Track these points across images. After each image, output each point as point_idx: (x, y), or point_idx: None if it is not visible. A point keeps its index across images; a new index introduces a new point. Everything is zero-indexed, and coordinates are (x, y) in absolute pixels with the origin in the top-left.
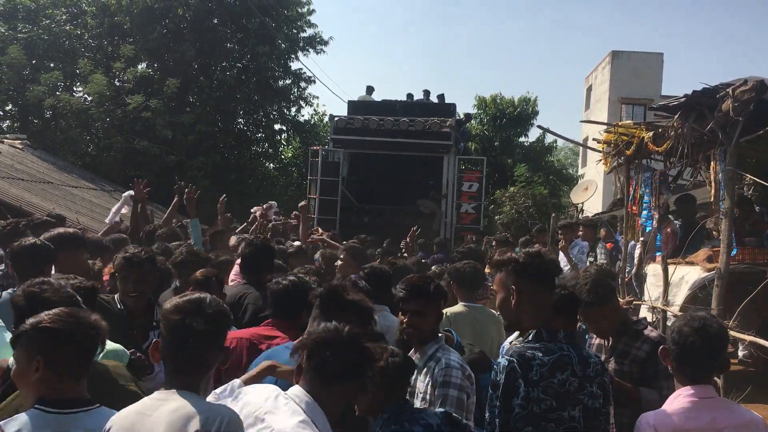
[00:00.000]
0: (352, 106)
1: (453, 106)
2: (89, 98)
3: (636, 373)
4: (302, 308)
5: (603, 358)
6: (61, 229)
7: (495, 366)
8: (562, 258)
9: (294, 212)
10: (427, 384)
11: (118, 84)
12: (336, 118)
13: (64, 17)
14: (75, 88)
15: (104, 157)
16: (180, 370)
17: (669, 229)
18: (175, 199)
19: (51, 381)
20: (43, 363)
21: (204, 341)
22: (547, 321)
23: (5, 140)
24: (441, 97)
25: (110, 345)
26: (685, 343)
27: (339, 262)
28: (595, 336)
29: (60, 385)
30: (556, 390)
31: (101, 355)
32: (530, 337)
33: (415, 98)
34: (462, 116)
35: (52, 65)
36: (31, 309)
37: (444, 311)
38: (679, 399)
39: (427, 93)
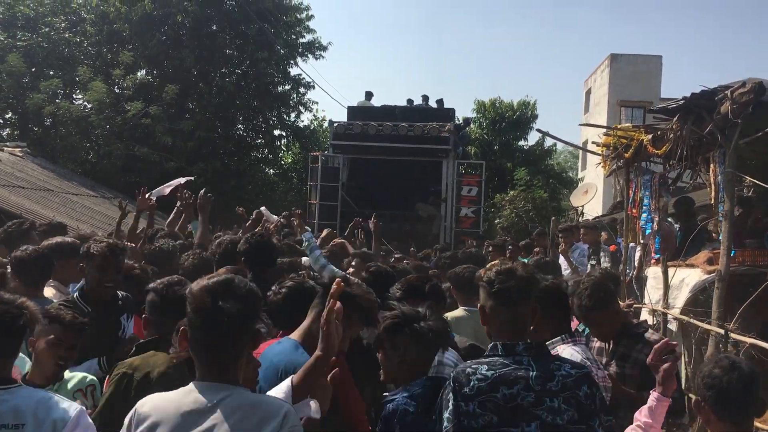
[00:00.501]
0: (352, 111)
1: (452, 110)
2: (89, 105)
3: (637, 377)
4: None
5: (604, 361)
6: (59, 238)
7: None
8: (562, 261)
9: (284, 212)
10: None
11: (117, 91)
12: (335, 124)
13: (63, 25)
14: (74, 96)
15: (104, 164)
16: (214, 359)
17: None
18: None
19: None
20: None
21: (237, 324)
22: (520, 337)
23: (5, 148)
24: (440, 102)
25: (74, 376)
26: (720, 385)
27: (351, 270)
28: (596, 339)
29: None
30: (499, 404)
31: (71, 385)
32: (486, 352)
33: (414, 103)
34: (461, 121)
35: (51, 73)
36: None
37: (445, 315)
38: None
39: (425, 98)
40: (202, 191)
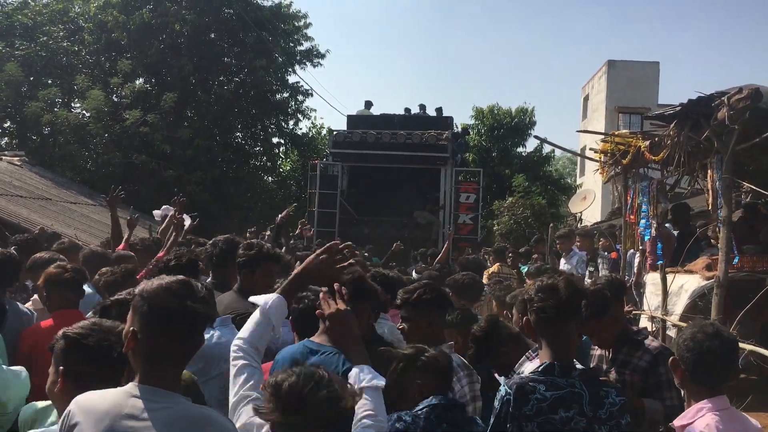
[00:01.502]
0: (351, 120)
1: (450, 119)
2: (87, 114)
3: (637, 383)
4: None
5: (604, 368)
6: (42, 254)
7: (498, 392)
8: (563, 266)
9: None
10: None
11: (115, 99)
12: (335, 132)
13: (61, 34)
14: (73, 104)
15: (102, 172)
16: (164, 362)
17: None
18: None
19: None
20: None
21: (199, 327)
22: (570, 357)
23: (3, 157)
24: (439, 110)
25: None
26: (701, 349)
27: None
28: (596, 347)
29: None
30: (556, 427)
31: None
32: (540, 369)
33: (412, 112)
34: (459, 129)
35: (49, 82)
36: None
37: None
38: (706, 416)
39: (423, 107)
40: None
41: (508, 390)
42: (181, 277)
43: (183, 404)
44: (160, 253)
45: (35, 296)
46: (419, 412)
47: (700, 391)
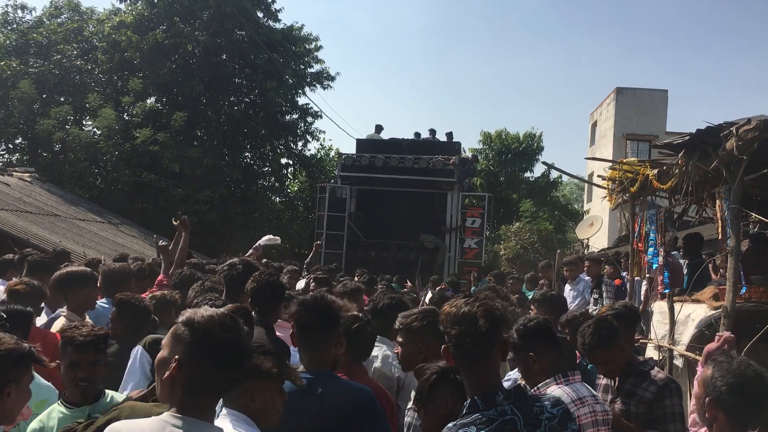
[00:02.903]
0: (360, 144)
1: (458, 144)
2: (98, 132)
3: (643, 414)
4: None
5: (609, 398)
6: (72, 267)
7: None
8: (567, 294)
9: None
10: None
11: (126, 118)
12: (344, 156)
13: (75, 53)
14: (84, 122)
15: (112, 190)
16: (209, 394)
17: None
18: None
19: None
20: None
21: (246, 361)
22: (495, 385)
23: (15, 173)
24: (449, 135)
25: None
26: (746, 393)
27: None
28: (602, 376)
29: None
30: None
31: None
32: (464, 411)
33: (422, 136)
34: (469, 155)
35: (62, 99)
36: None
37: None
38: None
39: (433, 132)
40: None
41: None
42: (226, 310)
43: None
44: (161, 277)
45: (66, 311)
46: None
47: (731, 431)
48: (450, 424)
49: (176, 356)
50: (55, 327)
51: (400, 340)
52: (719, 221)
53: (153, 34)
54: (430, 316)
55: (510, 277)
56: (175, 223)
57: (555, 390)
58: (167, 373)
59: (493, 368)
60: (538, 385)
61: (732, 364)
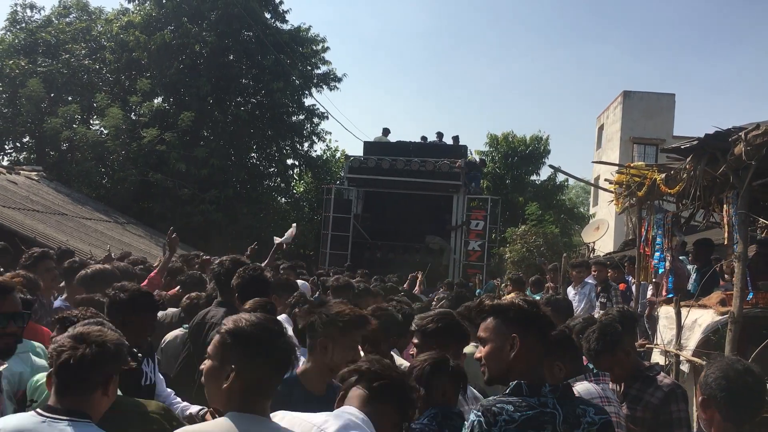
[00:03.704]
0: (368, 146)
1: (464, 147)
2: (105, 131)
3: (649, 420)
4: None
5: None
6: (99, 266)
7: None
8: (572, 297)
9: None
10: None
11: (134, 117)
12: (351, 158)
13: (83, 52)
14: (92, 122)
15: (118, 189)
16: (266, 395)
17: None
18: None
19: None
20: None
21: (294, 359)
22: (537, 375)
23: (22, 171)
24: (455, 138)
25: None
26: (736, 387)
27: None
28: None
29: None
30: None
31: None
32: (507, 391)
33: (429, 139)
34: (477, 159)
35: (70, 98)
36: None
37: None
38: None
39: (440, 135)
40: (170, 229)
41: (477, 413)
42: (262, 314)
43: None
44: (153, 273)
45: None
46: (424, 421)
47: (728, 429)
48: (490, 398)
49: (232, 365)
50: None
51: (415, 341)
52: (726, 226)
53: (161, 34)
54: (445, 318)
55: (509, 279)
56: (167, 239)
57: (585, 384)
58: (226, 384)
59: (540, 359)
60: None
61: (721, 361)
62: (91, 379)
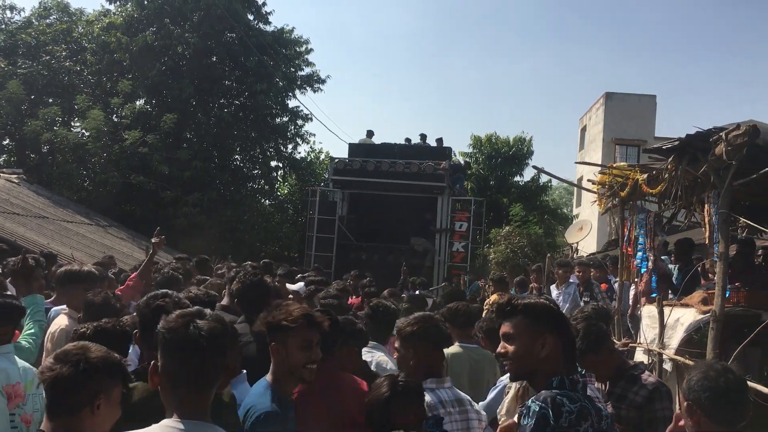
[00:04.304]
0: (352, 148)
1: (448, 149)
2: (86, 133)
3: (633, 418)
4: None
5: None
6: (78, 266)
7: (522, 410)
8: (555, 296)
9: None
10: None
11: (115, 120)
12: (336, 160)
13: (64, 54)
14: (73, 124)
15: (100, 192)
16: (191, 389)
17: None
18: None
19: None
20: None
21: (211, 348)
22: (562, 371)
23: (2, 174)
24: (439, 140)
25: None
26: (717, 386)
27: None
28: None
29: None
30: None
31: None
32: (555, 384)
33: (413, 141)
34: (461, 161)
35: (50, 100)
36: None
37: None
38: None
39: (423, 136)
40: (157, 230)
41: (542, 404)
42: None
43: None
44: (132, 275)
45: (67, 308)
46: None
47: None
48: (546, 392)
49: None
50: (56, 324)
51: (396, 345)
52: (707, 226)
53: (143, 35)
54: (422, 322)
55: (490, 279)
56: (153, 240)
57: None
58: (154, 382)
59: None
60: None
61: (701, 365)
62: (72, 399)
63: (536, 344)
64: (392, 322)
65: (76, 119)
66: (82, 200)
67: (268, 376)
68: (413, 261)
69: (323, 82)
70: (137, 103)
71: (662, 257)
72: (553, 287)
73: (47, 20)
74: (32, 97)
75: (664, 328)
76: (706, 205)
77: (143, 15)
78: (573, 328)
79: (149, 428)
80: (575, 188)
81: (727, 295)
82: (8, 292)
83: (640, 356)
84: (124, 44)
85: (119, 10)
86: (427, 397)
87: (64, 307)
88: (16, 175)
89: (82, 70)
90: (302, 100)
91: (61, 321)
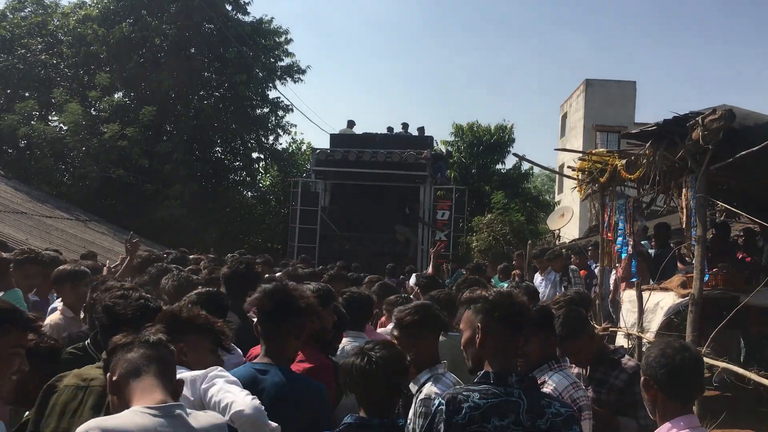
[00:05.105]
0: (334, 139)
1: (430, 138)
2: (64, 127)
3: (614, 402)
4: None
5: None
6: (69, 264)
7: (432, 405)
8: (538, 284)
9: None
10: (413, 413)
11: (94, 113)
12: (317, 151)
13: (39, 47)
14: (50, 118)
15: (79, 186)
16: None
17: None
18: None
19: None
20: None
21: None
22: (511, 366)
23: None
24: (421, 129)
25: None
26: (674, 363)
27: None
28: (573, 365)
29: None
30: None
31: None
32: (476, 379)
33: (395, 131)
34: (443, 150)
35: (27, 94)
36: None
37: None
38: None
39: (405, 126)
40: (131, 233)
41: (441, 401)
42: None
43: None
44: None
45: (62, 305)
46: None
47: (674, 408)
48: (459, 387)
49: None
50: (49, 319)
51: (395, 333)
52: (684, 210)
53: (119, 27)
54: (422, 310)
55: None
56: (127, 244)
57: (554, 377)
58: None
59: (515, 350)
60: (534, 372)
61: (660, 342)
62: None
63: (474, 335)
64: (369, 310)
65: (54, 113)
66: (61, 195)
67: None
68: (396, 250)
69: (303, 72)
70: (115, 96)
71: (642, 242)
72: (537, 274)
73: (22, 13)
74: (8, 91)
75: (644, 313)
76: (683, 190)
77: (119, 6)
78: (550, 315)
79: (124, 414)
80: (557, 175)
81: (705, 279)
82: None
83: (620, 340)
84: (100, 36)
85: (95, 1)
86: (437, 388)
87: (59, 304)
88: None
89: (58, 63)
90: (283, 90)
91: (53, 317)
